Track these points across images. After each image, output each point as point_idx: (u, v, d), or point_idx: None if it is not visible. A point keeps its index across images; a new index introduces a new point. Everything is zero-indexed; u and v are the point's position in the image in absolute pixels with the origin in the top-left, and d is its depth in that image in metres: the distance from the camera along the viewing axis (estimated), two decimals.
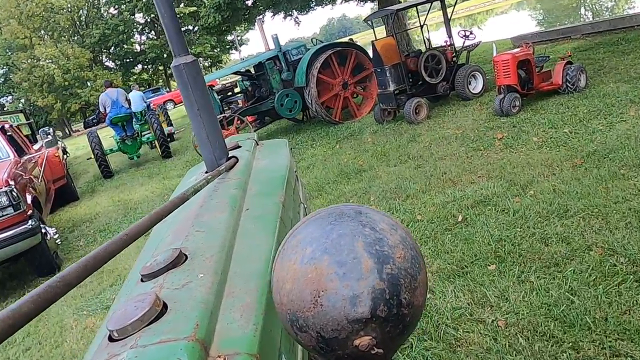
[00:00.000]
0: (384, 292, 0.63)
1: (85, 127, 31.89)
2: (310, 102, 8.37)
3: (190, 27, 36.73)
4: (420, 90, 7.25)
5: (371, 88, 8.95)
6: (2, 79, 43.06)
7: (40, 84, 35.06)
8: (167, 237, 1.07)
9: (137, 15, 37.99)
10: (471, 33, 7.48)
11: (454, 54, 7.47)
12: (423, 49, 7.85)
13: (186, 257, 0.88)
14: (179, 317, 0.67)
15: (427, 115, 7.00)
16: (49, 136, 6.36)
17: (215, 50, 41.69)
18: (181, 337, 0.62)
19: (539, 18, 27.84)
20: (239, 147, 1.81)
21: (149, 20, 38.97)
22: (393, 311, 0.64)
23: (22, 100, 39.62)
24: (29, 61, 35.29)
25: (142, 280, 0.84)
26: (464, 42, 7.48)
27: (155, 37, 39.13)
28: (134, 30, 40.01)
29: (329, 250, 0.65)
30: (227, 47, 43.70)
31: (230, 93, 12.64)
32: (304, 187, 2.29)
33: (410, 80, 7.21)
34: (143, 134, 12.82)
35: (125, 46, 38.97)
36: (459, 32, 7.52)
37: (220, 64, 42.54)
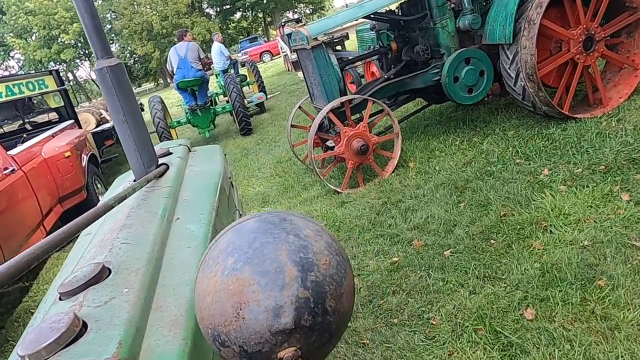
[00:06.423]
0: (308, 301, 0.60)
1: None
2: (513, 75, 4.21)
3: None
4: None
5: (635, 48, 4.50)
6: (109, 26, 43.31)
7: (140, 32, 34.00)
8: (89, 250, 0.99)
9: None
10: None
11: None
12: None
13: (110, 272, 0.81)
14: (99, 336, 0.63)
15: None
16: None
17: None
18: (102, 359, 0.58)
19: None
20: (170, 153, 1.69)
21: None
22: (318, 320, 0.61)
23: (129, 49, 39.34)
24: (129, 8, 34.20)
25: (60, 299, 0.77)
26: None
27: None
28: None
29: (251, 260, 0.61)
30: None
31: (339, 48, 8.66)
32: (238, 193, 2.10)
33: None
34: (221, 100, 9.69)
35: None
36: None
37: (323, 11, 38.36)
